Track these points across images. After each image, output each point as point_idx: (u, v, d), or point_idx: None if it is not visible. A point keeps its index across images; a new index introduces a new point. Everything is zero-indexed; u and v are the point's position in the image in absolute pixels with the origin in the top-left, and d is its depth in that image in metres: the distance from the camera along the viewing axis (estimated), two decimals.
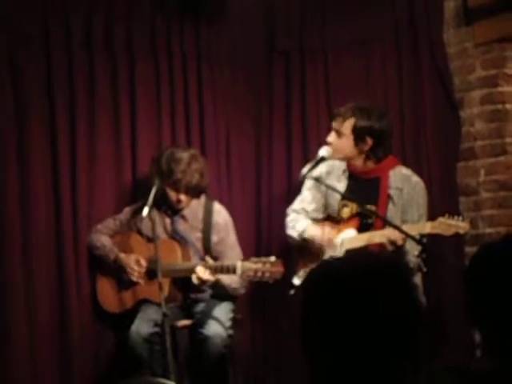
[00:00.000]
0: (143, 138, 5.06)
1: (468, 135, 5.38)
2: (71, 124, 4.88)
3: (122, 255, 4.78)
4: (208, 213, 4.84)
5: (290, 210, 4.73)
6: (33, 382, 4.68)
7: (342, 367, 1.66)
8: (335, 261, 1.85)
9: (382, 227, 4.33)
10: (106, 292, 4.85)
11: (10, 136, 4.71)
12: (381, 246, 4.26)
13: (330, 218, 4.60)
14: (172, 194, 4.74)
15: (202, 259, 4.71)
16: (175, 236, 4.81)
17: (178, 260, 4.72)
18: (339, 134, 4.50)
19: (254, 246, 5.25)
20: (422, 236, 4.26)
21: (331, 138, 4.53)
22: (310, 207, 4.65)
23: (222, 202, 4.97)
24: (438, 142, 5.37)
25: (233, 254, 4.78)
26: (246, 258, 4.59)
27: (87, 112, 4.92)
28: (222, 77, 5.29)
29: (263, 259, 4.42)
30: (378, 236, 4.30)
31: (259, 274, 4.37)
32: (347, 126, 4.47)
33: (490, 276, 1.95)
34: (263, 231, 5.32)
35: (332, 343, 1.66)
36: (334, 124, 4.53)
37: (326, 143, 4.53)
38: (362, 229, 4.43)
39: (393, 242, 4.18)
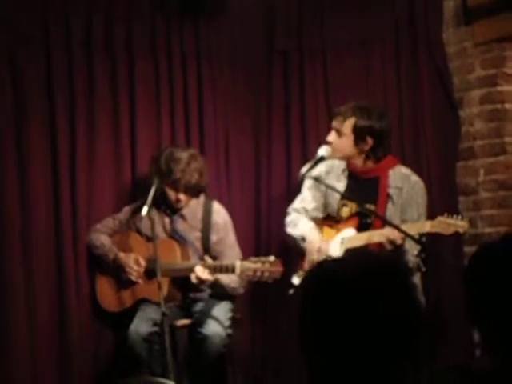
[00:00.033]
0: (142, 137, 5.06)
1: (467, 135, 5.38)
2: (71, 123, 4.88)
3: (122, 254, 4.78)
4: (207, 212, 4.84)
5: (290, 209, 4.73)
6: (32, 381, 4.68)
7: (342, 367, 1.66)
8: (334, 261, 1.85)
9: (382, 227, 4.33)
10: (105, 291, 4.85)
11: (9, 135, 4.71)
12: (380, 245, 4.26)
13: (330, 218, 4.60)
14: (171, 194, 4.74)
15: (201, 259, 4.71)
16: (174, 235, 4.81)
17: (177, 259, 4.72)
18: (339, 133, 4.50)
19: (253, 246, 5.25)
20: (421, 235, 4.26)
21: (331, 137, 4.52)
22: (311, 206, 4.65)
23: (221, 201, 4.97)
24: (438, 142, 5.37)
25: (232, 253, 4.78)
26: (245, 257, 4.60)
27: (87, 111, 4.92)
28: (222, 76, 5.29)
29: (262, 259, 4.42)
30: (378, 235, 4.30)
31: (258, 273, 4.37)
32: (348, 125, 4.47)
33: (489, 275, 1.95)
34: (262, 231, 5.32)
35: (331, 343, 1.66)
36: (334, 123, 4.53)
37: (326, 143, 4.53)
38: (361, 228, 4.43)
39: (392, 242, 4.18)
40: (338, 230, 4.49)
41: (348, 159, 4.54)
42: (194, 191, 4.77)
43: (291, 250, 4.76)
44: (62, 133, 4.84)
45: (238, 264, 4.43)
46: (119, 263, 4.76)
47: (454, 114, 5.41)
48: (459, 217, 4.23)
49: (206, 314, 4.70)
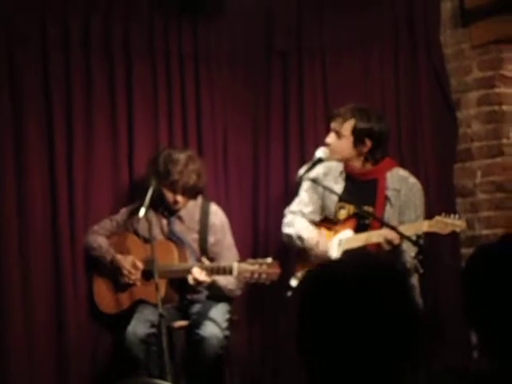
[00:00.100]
0: (140, 138, 5.05)
1: (465, 136, 5.38)
2: (68, 124, 4.87)
3: (119, 257, 4.78)
4: (205, 214, 4.84)
5: (287, 211, 4.73)
6: (30, 382, 4.68)
7: (340, 368, 1.66)
8: (332, 262, 1.85)
9: (379, 228, 4.33)
10: (103, 293, 4.84)
11: (7, 135, 4.70)
12: (378, 245, 4.27)
13: (327, 220, 4.60)
14: (169, 195, 4.73)
15: (199, 260, 4.70)
16: (172, 237, 4.81)
17: (175, 261, 4.71)
18: (339, 135, 4.50)
19: (250, 248, 5.25)
20: (419, 237, 4.27)
21: (330, 138, 4.53)
22: (307, 209, 4.64)
23: (218, 202, 4.96)
24: (435, 143, 5.37)
25: (229, 255, 4.78)
26: (242, 259, 4.59)
27: (84, 112, 4.92)
28: (220, 77, 5.29)
29: (260, 260, 4.42)
30: (376, 236, 4.30)
31: (256, 275, 4.37)
32: (347, 127, 4.47)
33: (486, 277, 1.95)
34: (260, 232, 5.31)
35: (329, 344, 1.66)
36: (334, 125, 4.53)
37: (324, 144, 4.53)
38: (359, 229, 4.43)
39: (390, 242, 4.19)
40: (336, 232, 4.49)
41: (346, 161, 4.54)
42: (191, 193, 4.76)
43: (289, 252, 4.76)
44: (60, 133, 4.84)
45: (235, 266, 4.43)
46: (116, 265, 4.76)
47: (451, 115, 5.41)
48: (456, 216, 4.24)
49: (203, 316, 4.70)
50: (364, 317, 1.64)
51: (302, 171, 4.50)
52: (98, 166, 4.95)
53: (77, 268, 4.84)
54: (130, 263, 4.74)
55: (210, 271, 4.53)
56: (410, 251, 4.33)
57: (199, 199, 4.86)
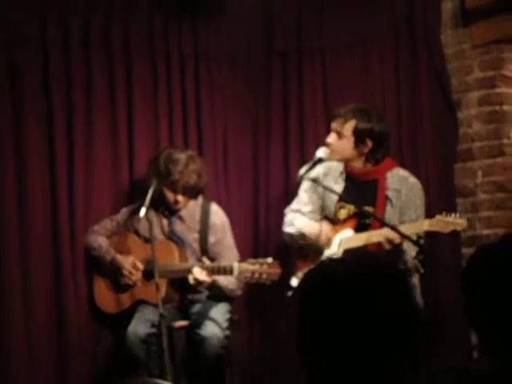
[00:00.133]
0: (140, 138, 5.05)
1: (465, 136, 5.38)
2: (69, 124, 4.87)
3: (119, 257, 4.77)
4: (205, 214, 4.84)
5: (288, 209, 4.73)
6: (30, 382, 4.67)
7: (340, 367, 1.65)
8: (332, 262, 1.85)
9: (380, 227, 4.33)
10: (103, 292, 4.84)
11: (7, 136, 4.70)
12: (379, 245, 4.27)
13: (327, 220, 4.59)
14: (169, 195, 4.73)
15: (199, 260, 4.70)
16: (172, 237, 4.81)
17: (175, 261, 4.71)
18: (339, 135, 4.49)
19: (251, 247, 5.25)
20: (419, 237, 4.27)
21: (331, 138, 4.52)
22: (307, 209, 4.64)
23: (219, 202, 4.96)
24: (436, 143, 5.37)
25: (230, 255, 4.78)
26: (243, 259, 4.60)
27: (85, 112, 4.92)
28: (220, 77, 5.29)
29: (260, 260, 4.42)
30: (376, 235, 4.30)
31: (256, 275, 4.37)
32: (348, 127, 4.47)
33: (487, 277, 1.95)
34: (261, 232, 5.31)
35: (329, 343, 1.65)
36: (334, 125, 4.53)
37: (324, 144, 4.53)
38: (359, 229, 4.43)
39: (390, 241, 4.19)
40: (336, 232, 4.49)
41: (347, 161, 4.54)
42: (192, 192, 4.76)
43: (290, 252, 4.76)
44: (60, 133, 4.84)
45: (235, 265, 4.43)
46: (116, 265, 4.76)
47: (452, 115, 5.40)
48: (457, 215, 4.24)
49: (203, 316, 4.70)
50: (364, 316, 1.64)
51: (302, 171, 4.50)
52: (99, 166, 4.94)
53: (77, 268, 4.84)
54: (130, 264, 4.74)
55: (211, 271, 4.53)
56: (410, 251, 4.33)
57: (200, 199, 4.86)
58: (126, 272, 4.73)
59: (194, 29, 5.19)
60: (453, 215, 4.20)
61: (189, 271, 4.56)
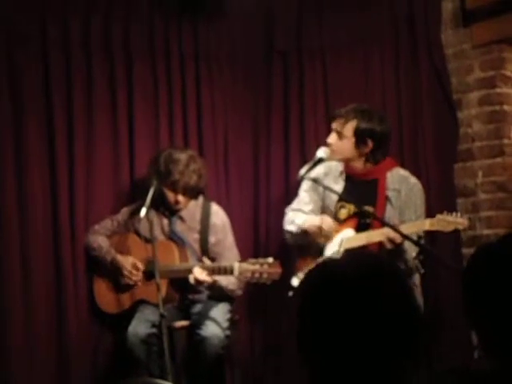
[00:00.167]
0: (141, 138, 5.05)
1: (466, 136, 5.38)
2: (69, 124, 4.87)
3: (119, 257, 4.77)
4: (206, 214, 4.84)
5: (288, 209, 4.73)
6: (30, 382, 4.67)
7: (341, 366, 1.66)
8: (333, 261, 1.85)
9: (380, 227, 4.33)
10: (104, 293, 4.84)
11: (7, 136, 4.70)
12: (379, 244, 4.27)
13: None
14: (170, 195, 4.73)
15: (200, 260, 4.71)
16: (173, 237, 4.81)
17: (176, 261, 4.71)
18: (340, 135, 4.49)
19: (251, 247, 5.25)
20: (420, 238, 4.27)
21: (332, 139, 4.52)
22: (307, 208, 4.64)
23: (219, 202, 4.97)
24: (436, 143, 5.36)
25: (230, 255, 4.78)
26: (243, 259, 4.59)
27: (85, 112, 4.92)
28: (221, 77, 5.29)
29: (261, 260, 4.42)
30: (377, 235, 4.30)
31: (257, 275, 4.37)
32: (349, 127, 4.46)
33: (487, 277, 1.95)
34: (261, 232, 5.31)
35: (330, 342, 1.66)
36: (335, 125, 4.53)
37: (325, 144, 4.53)
38: (360, 229, 4.43)
39: (391, 240, 4.19)
40: (337, 231, 4.49)
41: (347, 161, 4.54)
42: (192, 193, 4.76)
43: (290, 252, 4.76)
44: (60, 133, 4.84)
45: (236, 265, 4.43)
46: (117, 265, 4.76)
47: (452, 115, 5.40)
48: (458, 214, 4.24)
49: (204, 316, 4.70)
50: (365, 316, 1.64)
51: (303, 171, 4.51)
52: (99, 166, 4.95)
53: (77, 268, 4.84)
54: (131, 264, 4.74)
55: (211, 271, 4.53)
56: (411, 251, 4.33)
57: (200, 199, 4.86)
58: (126, 272, 4.74)
59: (194, 29, 5.19)
60: (454, 214, 4.20)
61: (189, 271, 4.56)
